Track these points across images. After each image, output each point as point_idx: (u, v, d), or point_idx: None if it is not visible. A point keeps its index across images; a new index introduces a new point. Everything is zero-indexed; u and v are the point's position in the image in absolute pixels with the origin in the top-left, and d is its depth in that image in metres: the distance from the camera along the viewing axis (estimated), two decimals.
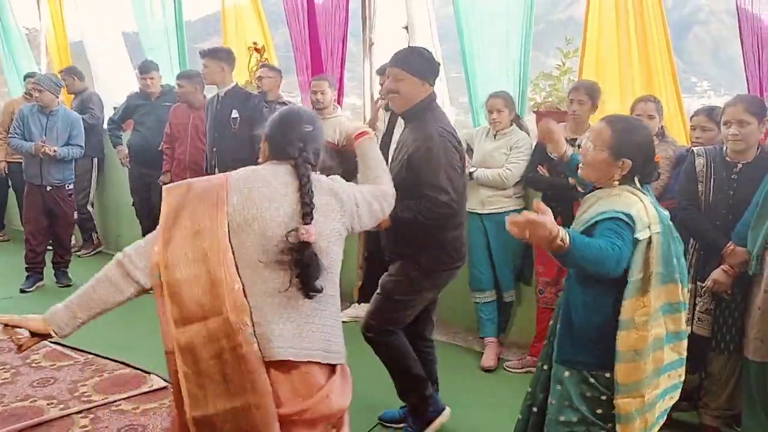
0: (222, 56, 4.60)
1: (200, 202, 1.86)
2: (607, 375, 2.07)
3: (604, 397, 2.08)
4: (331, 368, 1.94)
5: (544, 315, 3.81)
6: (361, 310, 4.40)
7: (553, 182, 3.69)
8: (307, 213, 1.85)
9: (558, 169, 3.68)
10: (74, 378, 3.65)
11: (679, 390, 2.20)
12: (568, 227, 3.66)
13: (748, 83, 3.75)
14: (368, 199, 2.10)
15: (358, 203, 2.04)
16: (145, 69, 5.64)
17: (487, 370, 3.87)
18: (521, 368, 3.84)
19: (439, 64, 2.91)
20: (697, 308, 3.01)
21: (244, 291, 1.81)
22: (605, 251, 1.93)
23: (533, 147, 3.85)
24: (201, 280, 1.79)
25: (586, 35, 4.22)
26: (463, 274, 4.03)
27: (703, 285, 2.97)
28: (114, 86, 7.01)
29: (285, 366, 1.83)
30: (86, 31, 7.36)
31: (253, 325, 1.79)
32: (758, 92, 3.66)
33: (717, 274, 2.89)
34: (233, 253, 1.82)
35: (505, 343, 4.17)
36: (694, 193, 3.00)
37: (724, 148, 2.97)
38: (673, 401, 2.19)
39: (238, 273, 1.82)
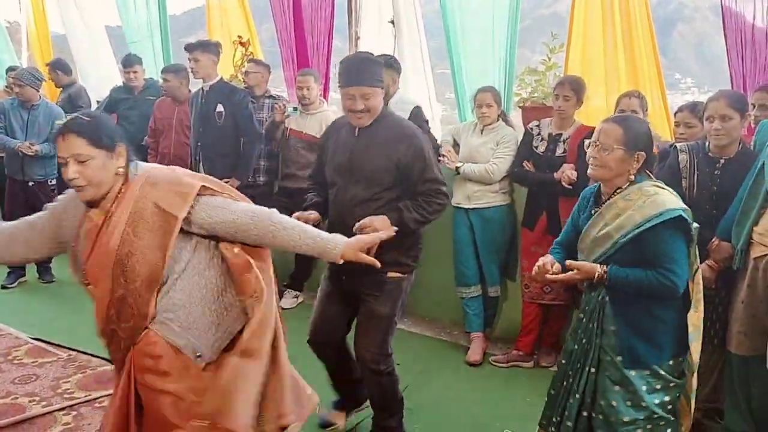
0: (213, 49, 4.56)
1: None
2: (671, 362, 2.20)
3: (672, 384, 2.20)
4: None
5: (529, 309, 3.83)
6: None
7: (538, 177, 3.70)
8: None
9: (543, 165, 3.69)
10: (57, 375, 3.60)
11: None
12: (554, 222, 3.69)
13: (731, 80, 3.78)
14: None
15: None
16: (129, 63, 5.58)
17: (473, 365, 3.87)
18: (507, 362, 3.85)
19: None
20: None
21: None
22: (648, 286, 2.12)
23: (519, 142, 3.86)
24: None
25: (572, 31, 4.24)
26: (449, 269, 4.05)
27: None
28: (97, 80, 6.93)
29: None
30: (69, 25, 7.28)
31: None
32: (741, 88, 3.69)
33: (701, 268, 2.91)
34: None
35: (491, 337, 4.18)
36: (678, 189, 3.01)
37: (707, 144, 2.98)
38: None
39: None
